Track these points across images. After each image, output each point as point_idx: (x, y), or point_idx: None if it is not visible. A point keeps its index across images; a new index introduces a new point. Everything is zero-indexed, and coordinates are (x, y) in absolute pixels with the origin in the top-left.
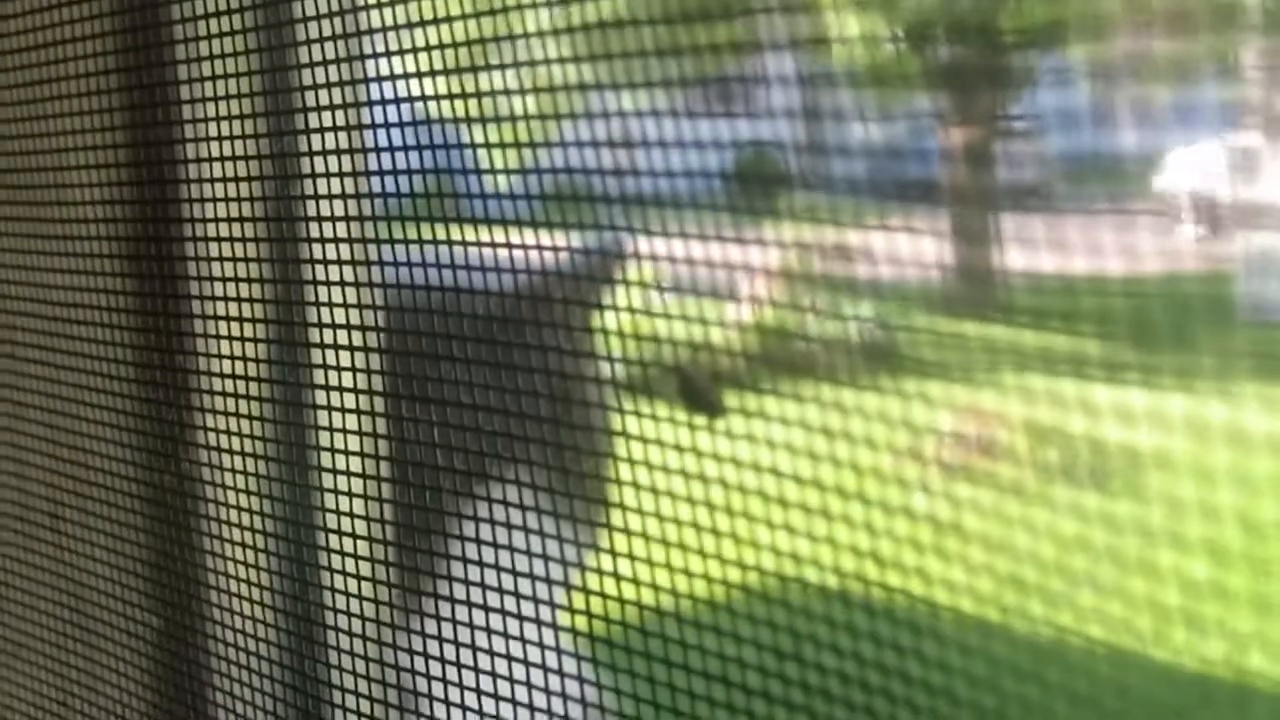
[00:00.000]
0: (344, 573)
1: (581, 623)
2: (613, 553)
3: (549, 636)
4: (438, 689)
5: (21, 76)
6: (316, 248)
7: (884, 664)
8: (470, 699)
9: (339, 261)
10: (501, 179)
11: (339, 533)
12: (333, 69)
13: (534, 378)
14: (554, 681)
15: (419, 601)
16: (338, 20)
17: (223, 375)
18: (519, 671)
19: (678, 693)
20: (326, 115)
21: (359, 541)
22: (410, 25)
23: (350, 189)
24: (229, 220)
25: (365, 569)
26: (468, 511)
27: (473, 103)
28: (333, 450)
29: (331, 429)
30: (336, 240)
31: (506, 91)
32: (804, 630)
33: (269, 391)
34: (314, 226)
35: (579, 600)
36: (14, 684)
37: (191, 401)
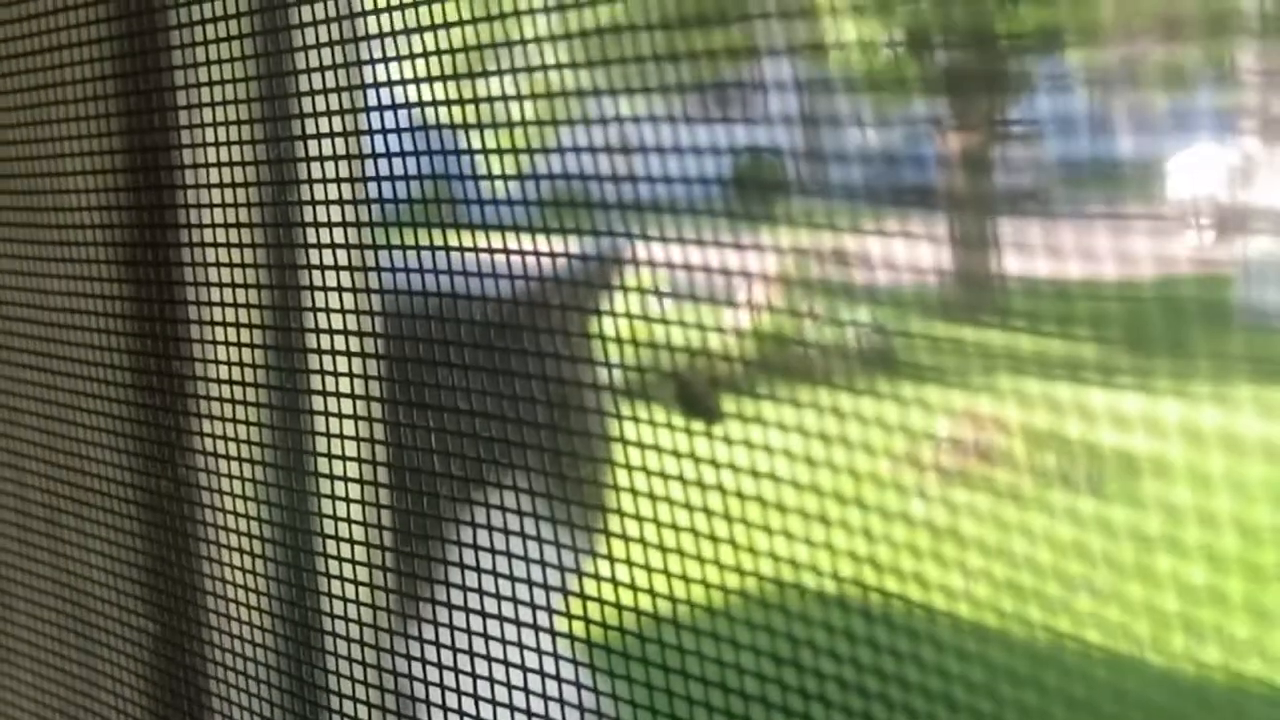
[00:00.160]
0: (342, 578)
1: (580, 629)
2: (610, 559)
3: (547, 643)
4: (435, 695)
5: (19, 83)
6: (314, 253)
7: (881, 669)
8: (468, 705)
9: (336, 267)
10: (500, 184)
11: (337, 538)
12: (330, 75)
13: (532, 384)
14: (552, 688)
15: (417, 607)
16: (335, 27)
17: (220, 381)
18: (516, 677)
19: (675, 698)
20: (324, 121)
21: (356, 547)
22: (408, 31)
23: (348, 195)
24: (226, 226)
25: (363, 575)
26: (465, 518)
27: (471, 108)
28: (329, 456)
29: (329, 435)
30: (334, 246)
31: (505, 97)
32: (802, 636)
33: (267, 397)
34: (311, 232)
35: (577, 606)
36: (12, 690)
37: (189, 407)
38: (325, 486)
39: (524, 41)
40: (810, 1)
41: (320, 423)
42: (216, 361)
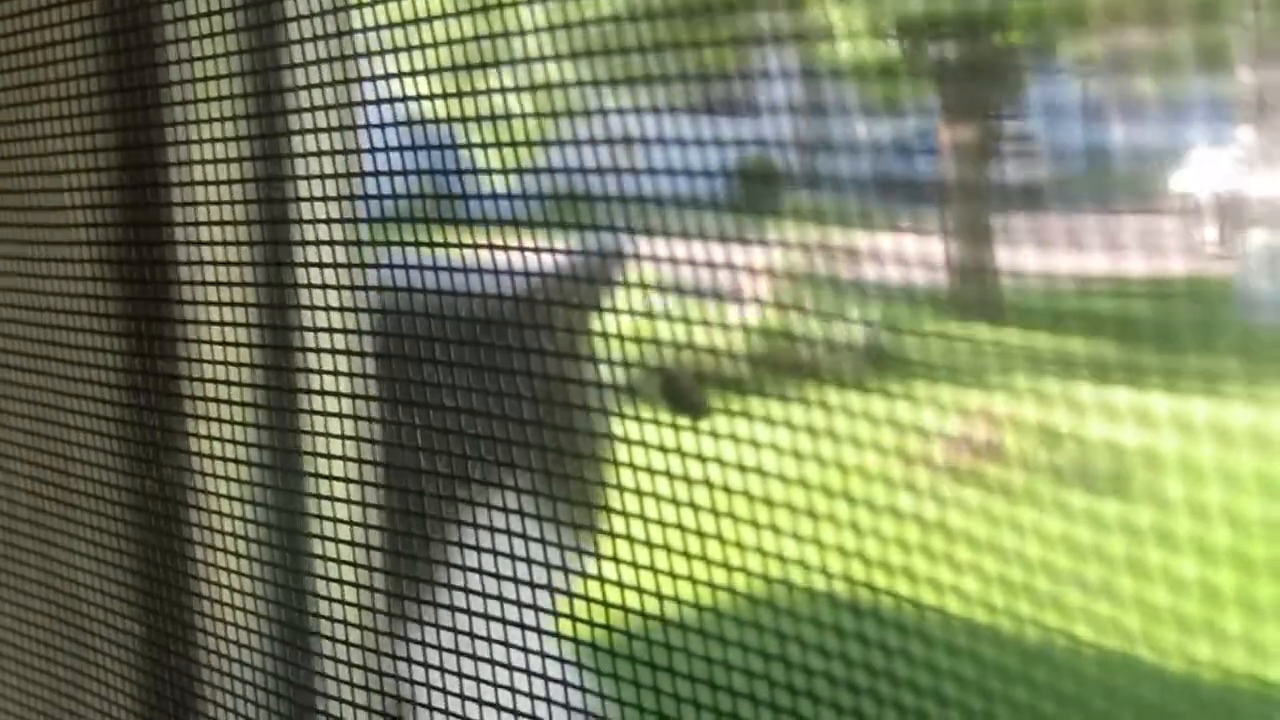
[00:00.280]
0: (328, 580)
1: (579, 629)
2: (608, 558)
3: (544, 644)
4: (429, 697)
5: (6, 80)
6: (307, 251)
7: (874, 665)
8: (463, 706)
9: (322, 265)
10: (498, 180)
11: (323, 539)
12: (323, 69)
13: (529, 382)
14: (545, 688)
15: (417, 609)
16: (328, 19)
17: (211, 381)
18: (511, 679)
19: (668, 698)
20: (317, 116)
21: (349, 548)
22: (404, 23)
23: (342, 191)
24: (218, 224)
25: (356, 576)
26: (460, 518)
27: (467, 102)
28: (316, 455)
29: (325, 434)
30: (332, 243)
31: (502, 90)
32: (803, 635)
33: (257, 397)
34: (304, 230)
35: (574, 607)
36: (1, 693)
37: (179, 407)
38: (317, 487)
39: (520, 32)
40: None
41: (312, 422)
42: (207, 361)
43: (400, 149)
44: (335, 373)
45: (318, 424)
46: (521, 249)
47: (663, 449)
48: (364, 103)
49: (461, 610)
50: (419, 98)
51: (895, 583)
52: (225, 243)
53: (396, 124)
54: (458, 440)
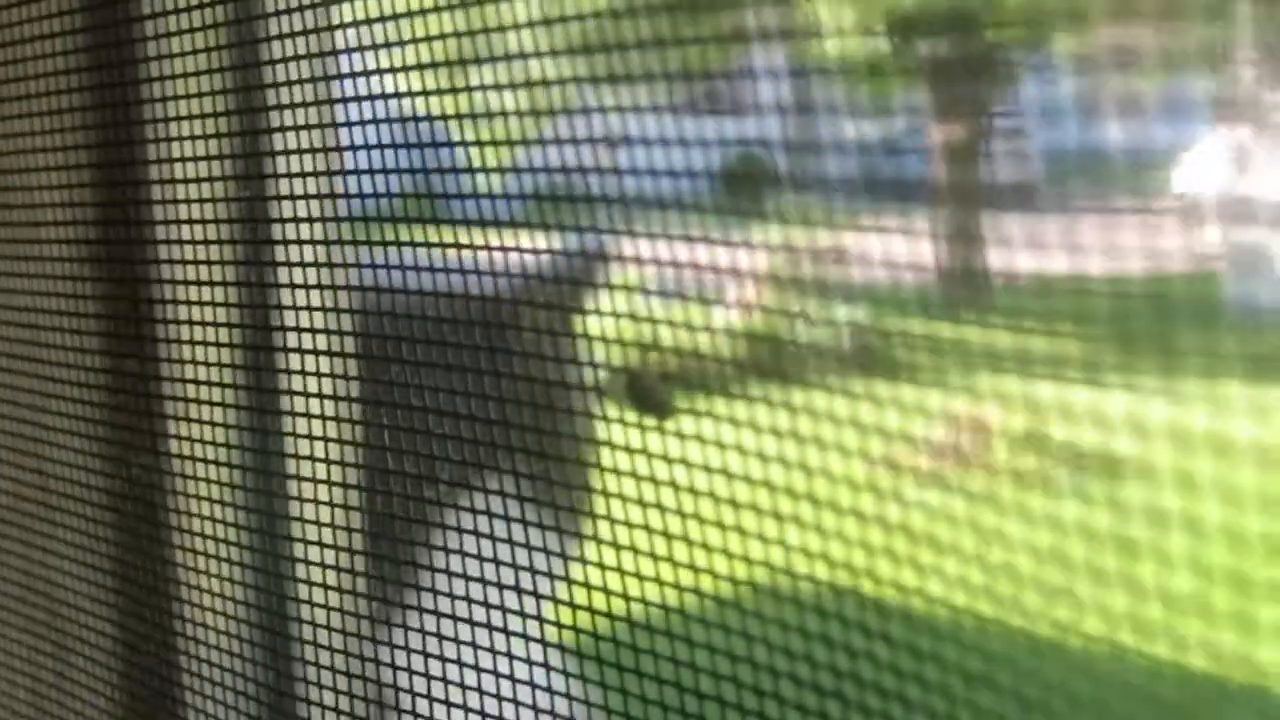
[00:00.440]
0: (311, 584)
1: (565, 629)
2: (592, 562)
3: (528, 645)
4: (413, 697)
5: None
6: (289, 250)
7: (869, 672)
8: (447, 706)
9: (303, 264)
10: (480, 178)
11: (307, 542)
12: (304, 66)
13: (512, 383)
14: (530, 690)
15: (401, 610)
16: (307, 15)
17: (191, 382)
18: (496, 681)
19: (666, 701)
20: (297, 113)
21: (331, 550)
22: (384, 18)
23: (322, 189)
24: (198, 223)
25: (340, 576)
26: (447, 517)
27: (451, 99)
28: (298, 459)
29: (305, 436)
30: (313, 242)
31: (483, 88)
32: (785, 638)
33: (237, 398)
34: (285, 229)
35: (560, 609)
36: None
37: (161, 409)
38: (299, 489)
39: (504, 29)
40: None
41: (294, 423)
42: (187, 362)
43: (380, 147)
44: (316, 374)
45: (298, 423)
46: (504, 249)
47: (646, 453)
48: (344, 100)
49: (445, 615)
50: (399, 95)
51: (897, 585)
52: (205, 241)
53: (377, 121)
54: (438, 440)
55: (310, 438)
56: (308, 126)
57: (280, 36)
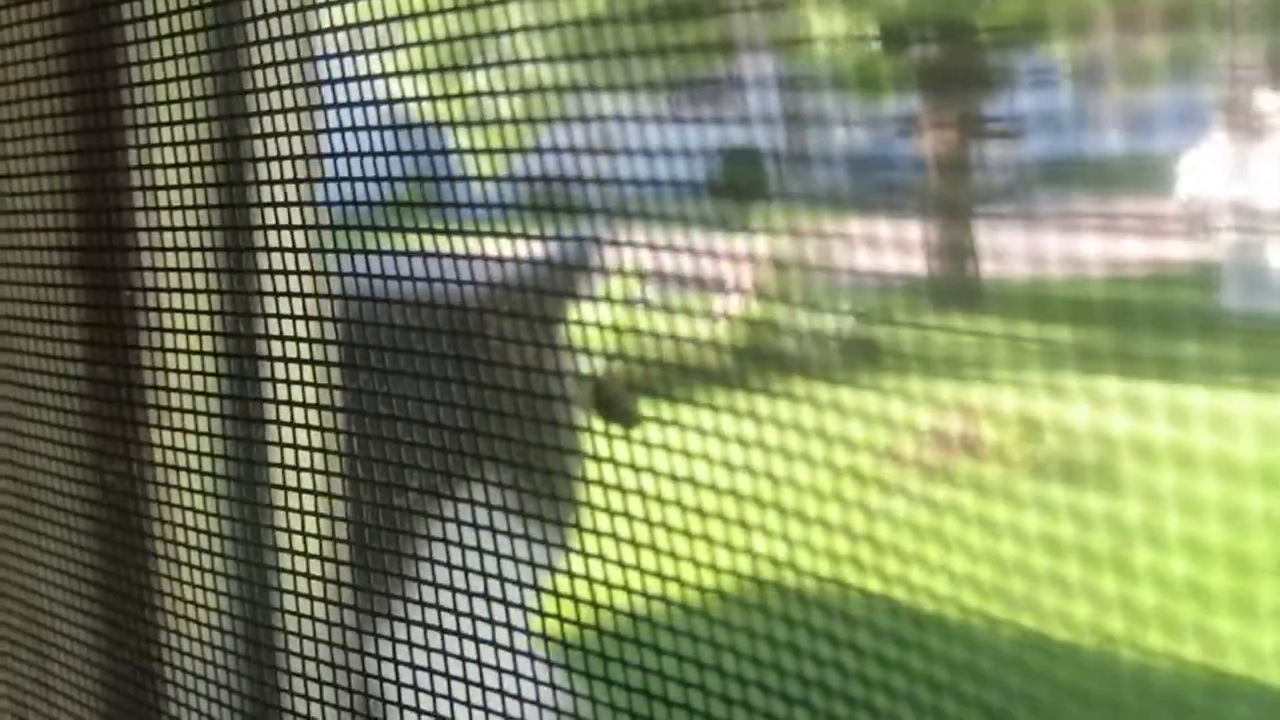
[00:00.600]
0: (296, 591)
1: (552, 627)
2: (582, 556)
3: (519, 641)
4: (400, 697)
5: None
6: (271, 256)
7: (862, 669)
8: (436, 705)
9: (286, 271)
10: (467, 184)
11: (292, 550)
12: (288, 70)
13: (499, 392)
14: (517, 685)
15: (389, 619)
16: (293, 19)
17: (174, 391)
18: (488, 677)
19: (651, 699)
20: (277, 120)
21: (315, 552)
22: (374, 23)
23: (305, 196)
24: (180, 230)
25: (325, 577)
26: (431, 527)
27: (443, 105)
28: (284, 466)
29: (290, 445)
30: (295, 250)
31: (477, 94)
32: (779, 635)
33: (220, 406)
34: (269, 235)
35: (550, 605)
36: None
37: (144, 417)
38: (288, 488)
39: (496, 34)
40: None
41: (280, 431)
42: (170, 370)
43: (364, 155)
44: (301, 378)
45: (283, 431)
46: (485, 258)
47: (629, 441)
48: (324, 106)
49: (431, 626)
50: (385, 102)
51: (898, 582)
52: (188, 249)
53: (357, 129)
54: (421, 449)
55: (295, 447)
56: (288, 133)
57: (262, 41)
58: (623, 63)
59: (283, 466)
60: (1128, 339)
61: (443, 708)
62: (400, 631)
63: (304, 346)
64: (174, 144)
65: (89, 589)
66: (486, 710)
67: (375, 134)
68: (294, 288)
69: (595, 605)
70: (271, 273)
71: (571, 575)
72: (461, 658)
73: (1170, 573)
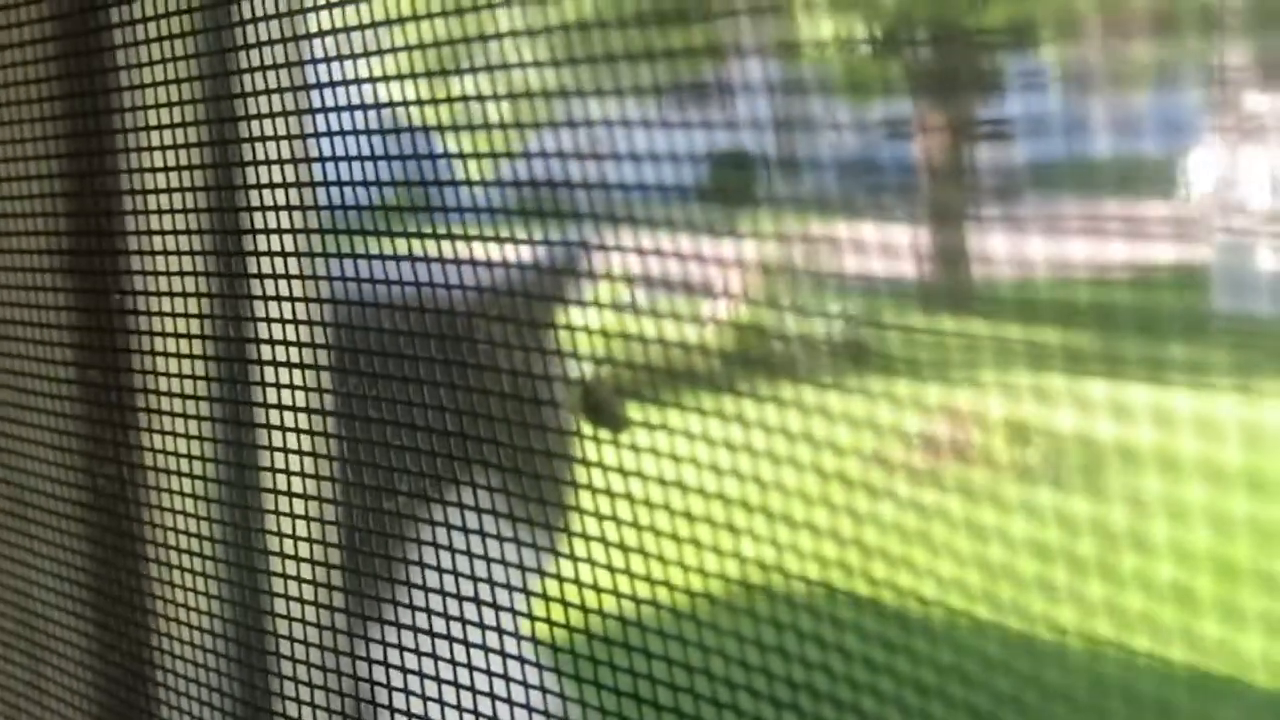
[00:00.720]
0: (295, 598)
1: (542, 631)
2: (573, 562)
3: (509, 645)
4: (392, 700)
5: None
6: (263, 252)
7: (850, 672)
8: (428, 708)
9: (278, 277)
10: (459, 187)
11: (289, 556)
12: (278, 74)
13: (487, 396)
14: (508, 688)
15: (380, 623)
16: (282, 23)
17: (165, 394)
18: (479, 681)
19: (641, 703)
20: (262, 124)
21: (308, 560)
22: (362, 27)
23: (295, 200)
24: (170, 234)
25: (316, 580)
26: (422, 531)
27: (431, 109)
28: (272, 470)
29: (281, 446)
30: (284, 253)
31: (465, 98)
32: (768, 638)
33: (210, 408)
34: (259, 239)
35: (540, 608)
36: None
37: (135, 421)
38: (274, 497)
39: (485, 39)
40: None
41: (270, 436)
42: (160, 374)
43: (352, 159)
44: (291, 383)
45: (273, 435)
46: (475, 263)
47: (618, 445)
48: (312, 110)
49: (422, 630)
50: (379, 106)
51: (886, 585)
52: (177, 252)
53: (344, 133)
54: (411, 453)
55: (285, 450)
56: (278, 137)
57: (253, 46)
58: (612, 67)
59: (272, 470)
60: (1119, 342)
61: (433, 711)
62: (390, 635)
63: (294, 350)
64: (164, 148)
65: (80, 591)
66: (476, 714)
67: (365, 138)
68: (284, 291)
69: (585, 609)
70: (261, 277)
71: (561, 579)
72: (451, 661)
73: (1157, 576)
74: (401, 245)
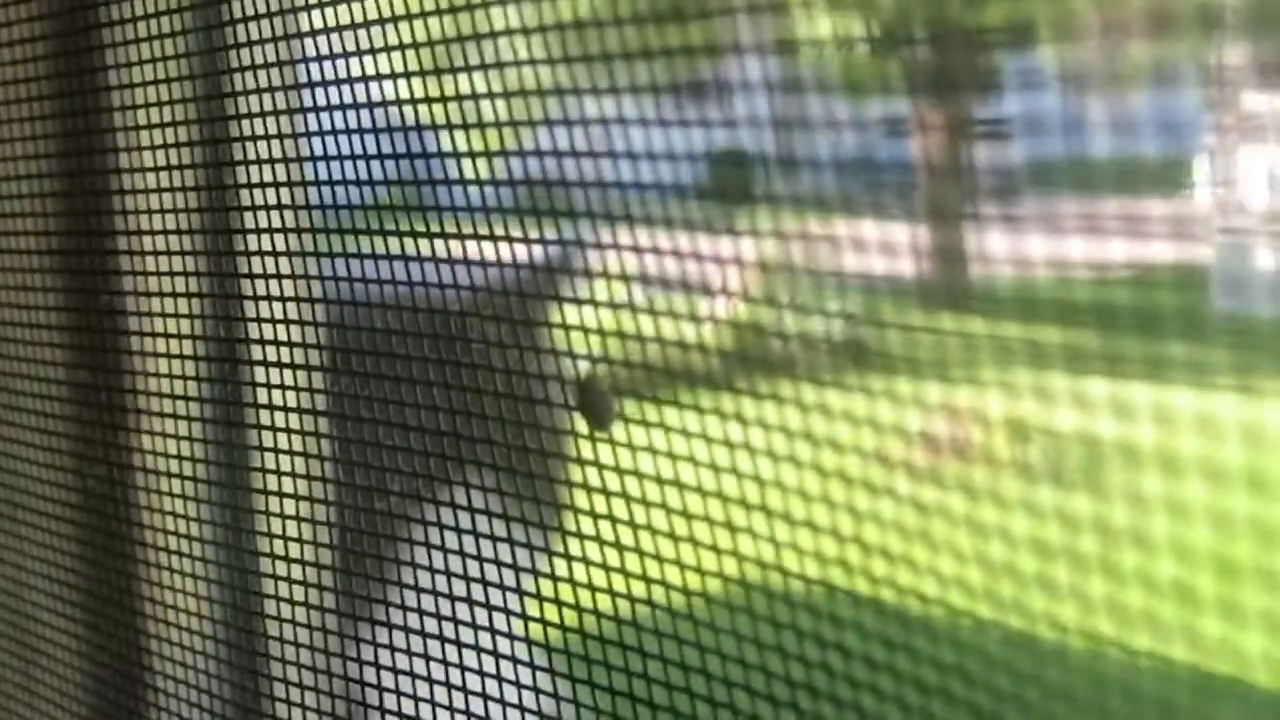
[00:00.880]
0: (287, 598)
1: (536, 630)
2: (568, 561)
3: (503, 645)
4: (386, 701)
5: None
6: (255, 251)
7: (850, 671)
8: (423, 710)
9: (270, 276)
10: (451, 187)
11: (281, 556)
12: (269, 74)
13: (482, 395)
14: (503, 690)
15: (371, 611)
16: (275, 21)
17: (160, 395)
18: (472, 681)
19: (637, 702)
20: (265, 122)
21: (300, 561)
22: (357, 25)
23: (286, 200)
24: (162, 233)
25: (310, 579)
26: (415, 531)
27: (426, 107)
28: (265, 471)
29: (274, 445)
30: (275, 253)
31: (463, 97)
32: (766, 637)
33: (202, 410)
34: (250, 239)
35: (535, 608)
36: None
37: (127, 422)
38: (266, 498)
39: (479, 37)
40: None
41: (260, 435)
42: (152, 374)
43: (345, 158)
44: (283, 382)
45: (264, 435)
46: (468, 262)
47: (613, 443)
48: (303, 110)
49: (414, 630)
50: (373, 105)
51: (886, 583)
52: (169, 252)
53: (335, 132)
54: (404, 453)
55: (278, 450)
56: (269, 137)
57: (245, 44)
58: (610, 65)
59: (264, 471)
60: (1118, 341)
61: (426, 711)
62: (383, 634)
63: (286, 350)
64: (155, 147)
65: (72, 592)
66: (469, 714)
67: (358, 137)
68: (277, 291)
69: (579, 608)
70: (253, 277)
71: (555, 578)
72: (445, 661)
73: (1158, 574)
74: (394, 244)
